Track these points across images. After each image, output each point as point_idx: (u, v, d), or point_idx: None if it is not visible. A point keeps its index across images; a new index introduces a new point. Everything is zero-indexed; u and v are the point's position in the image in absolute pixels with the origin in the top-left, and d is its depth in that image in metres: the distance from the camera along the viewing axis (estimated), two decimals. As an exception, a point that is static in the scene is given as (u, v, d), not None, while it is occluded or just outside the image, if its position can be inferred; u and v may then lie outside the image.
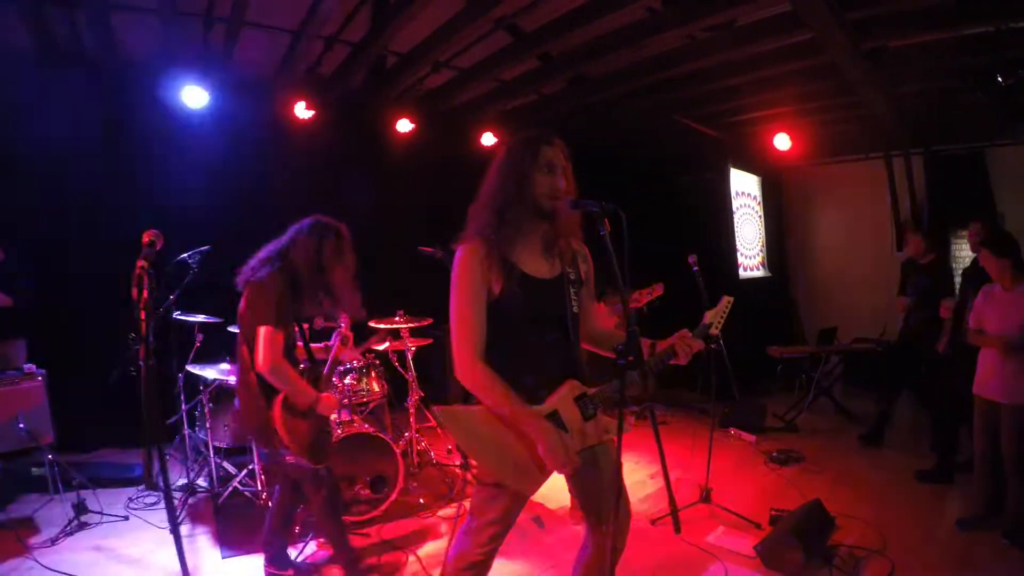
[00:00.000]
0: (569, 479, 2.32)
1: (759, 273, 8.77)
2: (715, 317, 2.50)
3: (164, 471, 2.17)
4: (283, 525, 3.38)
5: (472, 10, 4.59)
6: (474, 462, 2.09)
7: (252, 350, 2.87)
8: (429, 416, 5.39)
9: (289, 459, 2.98)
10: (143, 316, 2.07)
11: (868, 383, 7.50)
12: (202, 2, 4.69)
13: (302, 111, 5.82)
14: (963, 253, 6.76)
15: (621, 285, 1.88)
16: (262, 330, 2.81)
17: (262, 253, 3.09)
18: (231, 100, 5.72)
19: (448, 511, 4.28)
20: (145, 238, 2.21)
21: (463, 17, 4.69)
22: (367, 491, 3.99)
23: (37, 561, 3.52)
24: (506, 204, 2.09)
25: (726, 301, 2.55)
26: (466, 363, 2.04)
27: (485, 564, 2.18)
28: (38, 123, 5.06)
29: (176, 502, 4.23)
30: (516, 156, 2.12)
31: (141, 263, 2.11)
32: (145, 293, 2.09)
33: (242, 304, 2.99)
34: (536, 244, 2.17)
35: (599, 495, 2.23)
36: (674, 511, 1.93)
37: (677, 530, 1.95)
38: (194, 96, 5.36)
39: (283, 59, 5.56)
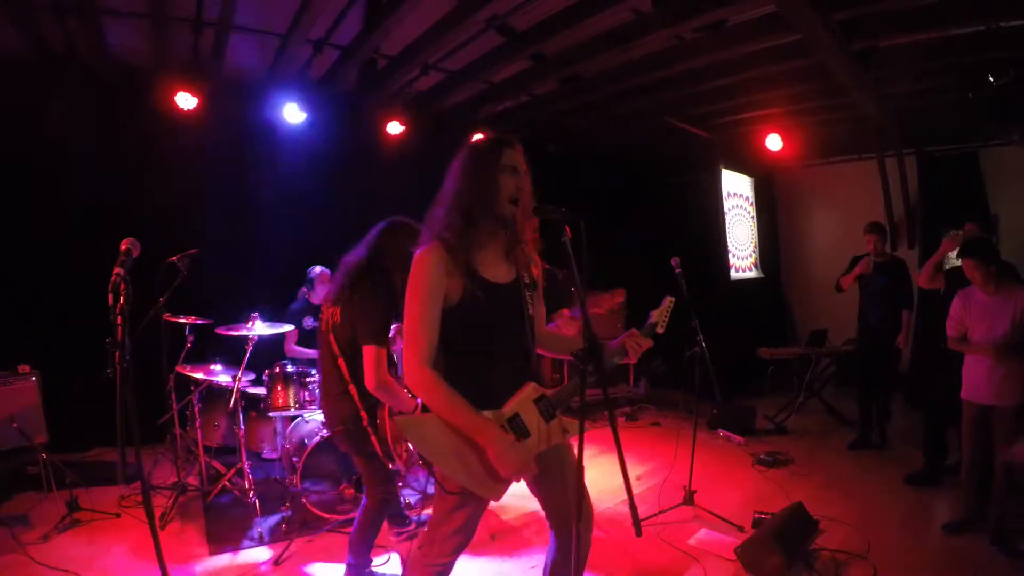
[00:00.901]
0: (530, 483, 2.31)
1: (751, 274, 8.79)
2: (659, 317, 2.56)
3: (140, 467, 2.21)
4: (373, 536, 3.32)
5: (462, 10, 4.60)
6: (436, 470, 2.09)
7: (348, 363, 3.00)
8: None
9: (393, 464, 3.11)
10: (119, 322, 2.10)
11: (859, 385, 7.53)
12: (191, 8, 4.71)
13: (292, 114, 5.85)
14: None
15: (580, 290, 1.91)
16: (368, 350, 2.87)
17: (348, 267, 3.11)
18: (222, 104, 5.78)
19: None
20: (122, 246, 2.21)
21: (453, 17, 4.70)
22: (351, 490, 4.03)
23: (31, 557, 3.58)
24: (472, 206, 2.08)
25: (668, 301, 2.62)
26: (413, 368, 2.03)
27: (447, 570, 2.20)
28: (35, 126, 5.14)
29: (167, 500, 4.28)
30: (481, 158, 2.12)
31: (117, 270, 2.13)
32: (122, 299, 2.12)
33: (336, 316, 3.05)
34: (497, 249, 2.18)
35: (563, 497, 2.25)
36: (635, 515, 1.95)
37: (638, 532, 1.97)
38: (185, 100, 5.41)
39: (273, 62, 5.60)
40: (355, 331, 2.96)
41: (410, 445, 3.11)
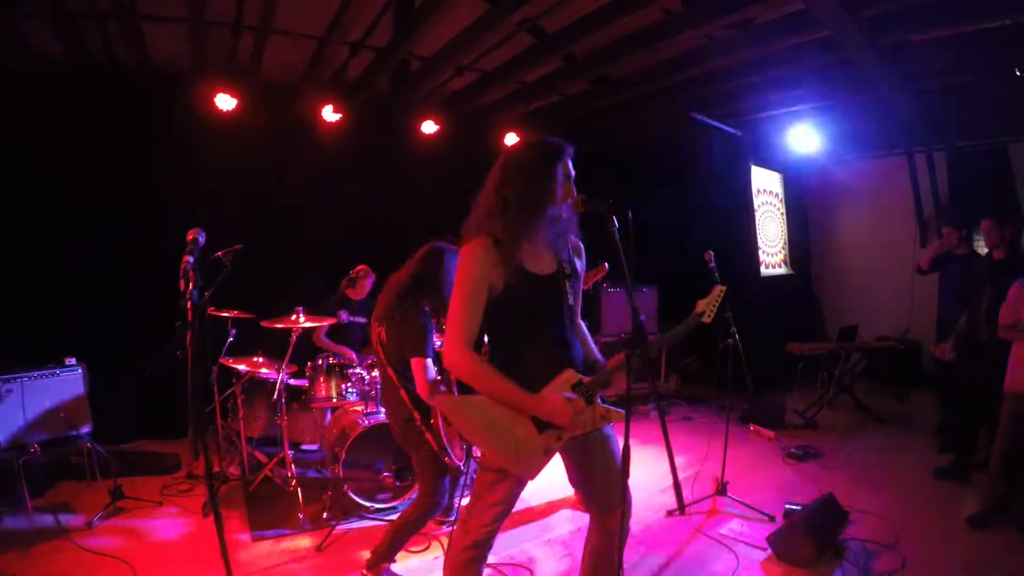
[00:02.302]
0: (572, 468, 2.41)
1: (781, 271, 8.77)
2: (707, 306, 2.60)
3: (207, 452, 2.34)
4: (407, 538, 3.42)
5: (494, 13, 4.69)
6: (478, 449, 2.19)
7: (397, 372, 3.25)
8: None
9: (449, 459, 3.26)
10: (188, 305, 2.24)
11: (890, 381, 7.51)
12: (230, 11, 4.85)
13: (329, 114, 5.98)
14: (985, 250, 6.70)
15: (628, 279, 1.98)
16: (417, 363, 3.12)
17: (392, 289, 3.32)
18: (260, 105, 5.92)
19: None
20: (189, 235, 2.40)
21: (485, 20, 4.80)
22: (392, 479, 4.14)
23: (77, 544, 3.69)
24: (527, 206, 2.15)
25: (718, 290, 2.64)
26: (454, 351, 2.13)
27: (487, 543, 2.28)
28: (77, 132, 5.32)
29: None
30: (543, 163, 2.19)
31: (186, 258, 2.29)
32: (191, 285, 2.26)
33: (383, 335, 3.28)
34: (542, 242, 2.25)
35: (602, 481, 2.33)
36: (678, 490, 2.02)
37: (681, 511, 2.04)
38: (224, 102, 5.58)
39: (310, 64, 5.72)
40: (402, 347, 3.19)
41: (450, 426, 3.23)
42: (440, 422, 3.18)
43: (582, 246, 2.43)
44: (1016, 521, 3.93)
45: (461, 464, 3.28)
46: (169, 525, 4.01)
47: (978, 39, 4.90)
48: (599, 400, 2.27)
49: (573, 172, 2.23)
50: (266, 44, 5.27)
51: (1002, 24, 4.61)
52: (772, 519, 4.12)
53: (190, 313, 2.23)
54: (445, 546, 3.63)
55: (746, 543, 3.82)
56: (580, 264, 2.41)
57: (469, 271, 2.15)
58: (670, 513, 4.20)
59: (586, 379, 2.24)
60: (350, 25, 4.74)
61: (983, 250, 5.31)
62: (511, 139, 7.02)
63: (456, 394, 3.25)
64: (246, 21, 5.00)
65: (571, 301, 2.31)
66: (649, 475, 4.89)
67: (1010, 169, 7.10)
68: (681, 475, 4.70)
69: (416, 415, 3.24)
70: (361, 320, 5.36)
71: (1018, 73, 4.90)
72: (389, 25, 5.13)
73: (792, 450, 5.41)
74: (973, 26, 4.72)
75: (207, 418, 4.99)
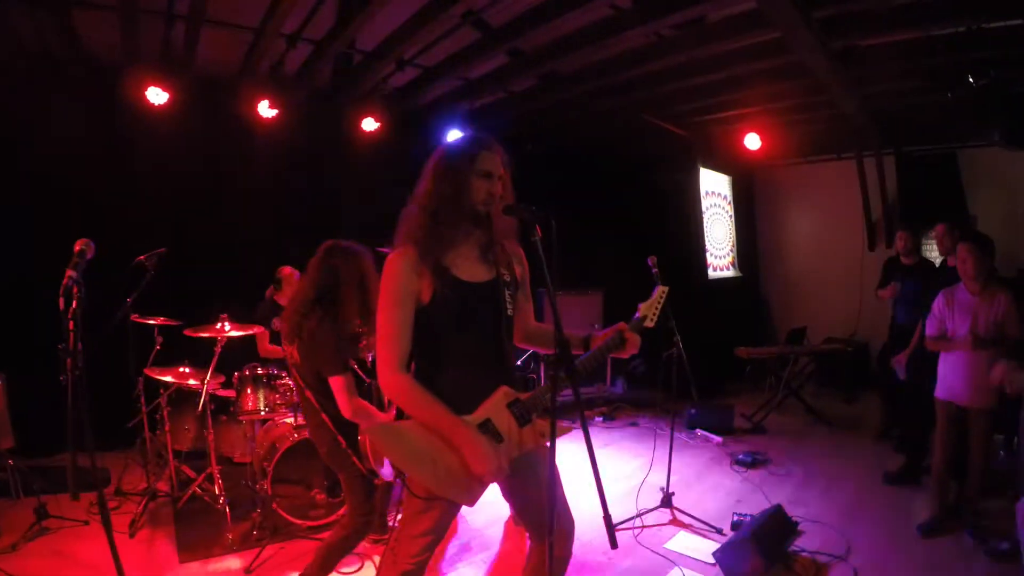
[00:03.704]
0: (505, 490, 2.28)
1: (729, 273, 8.80)
2: (648, 310, 2.40)
3: (95, 474, 2.13)
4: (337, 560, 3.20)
5: (437, 4, 4.52)
6: (407, 475, 2.03)
7: (316, 394, 3.02)
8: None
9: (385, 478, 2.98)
10: (71, 327, 2.02)
11: (838, 383, 7.57)
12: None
13: (265, 110, 5.74)
14: (934, 254, 6.80)
15: (551, 290, 1.85)
16: (336, 382, 2.90)
17: (294, 305, 3.08)
18: (193, 100, 5.66)
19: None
20: (76, 247, 2.14)
21: (428, 11, 4.62)
22: (323, 495, 3.96)
23: (-1, 567, 3.47)
24: (440, 207, 2.04)
25: (660, 291, 2.46)
26: (387, 373, 2.00)
27: (418, 573, 2.13)
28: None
29: (137, 506, 4.17)
30: (454, 160, 2.07)
31: (70, 272, 2.05)
32: (74, 304, 2.03)
33: (295, 355, 3.04)
34: (471, 248, 2.12)
35: (538, 503, 2.19)
36: (609, 526, 1.89)
37: (613, 544, 1.90)
38: (156, 96, 5.31)
39: (245, 57, 5.47)
40: (316, 366, 2.98)
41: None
42: (367, 441, 2.98)
43: (522, 252, 2.28)
44: (966, 525, 3.94)
45: (392, 479, 3.11)
46: (97, 545, 3.74)
47: (930, 45, 4.88)
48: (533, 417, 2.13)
49: (500, 170, 2.09)
50: (199, 35, 5.00)
51: (955, 31, 4.60)
52: (720, 531, 4.05)
53: (71, 336, 1.99)
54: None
55: (692, 558, 3.74)
56: (521, 271, 2.27)
57: (391, 283, 2.02)
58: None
59: (523, 396, 2.11)
60: (286, 15, 4.51)
61: (933, 254, 5.33)
62: (455, 137, 6.83)
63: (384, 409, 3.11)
64: (177, 9, 4.72)
65: (510, 312, 2.17)
66: (592, 487, 4.75)
67: (959, 175, 7.19)
68: (626, 485, 4.62)
69: (340, 439, 3.03)
70: None
71: (971, 81, 4.90)
72: (329, 16, 4.91)
73: (740, 456, 5.38)
74: (927, 32, 4.69)
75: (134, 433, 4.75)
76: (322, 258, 3.09)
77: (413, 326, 2.04)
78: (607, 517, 1.88)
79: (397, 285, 2.01)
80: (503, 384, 2.11)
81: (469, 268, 2.11)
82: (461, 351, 2.08)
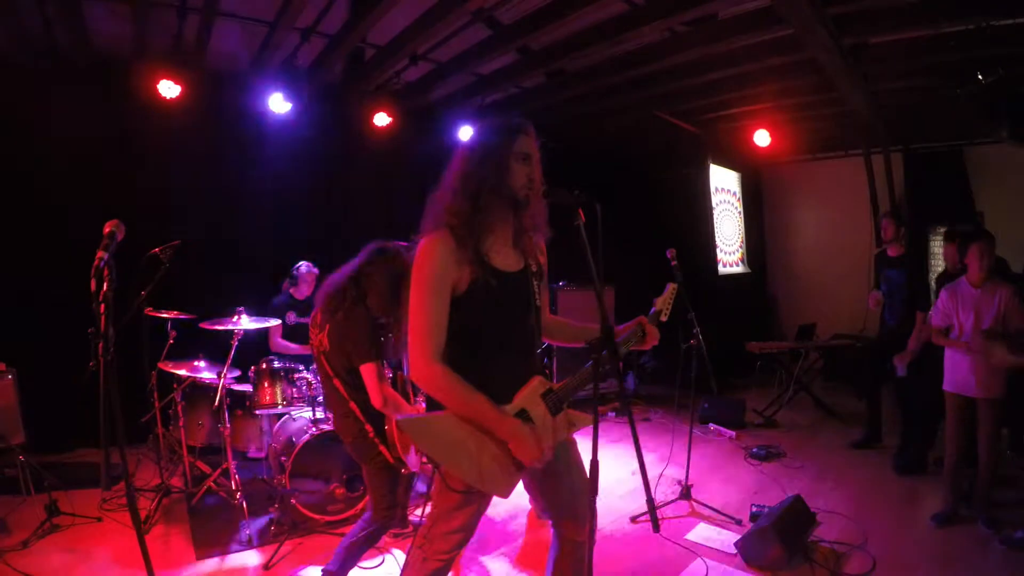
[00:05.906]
0: (535, 480, 2.25)
1: (738, 269, 8.81)
2: (663, 304, 2.52)
3: (125, 467, 2.09)
4: (362, 553, 3.17)
5: (448, 1, 4.51)
6: (443, 468, 2.00)
7: (344, 383, 2.99)
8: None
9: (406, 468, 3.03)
10: (102, 309, 1.97)
11: (848, 379, 7.56)
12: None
13: (279, 104, 5.71)
14: (941, 250, 6.81)
15: (595, 276, 1.82)
16: (367, 369, 2.88)
17: (328, 290, 3.06)
18: (207, 92, 5.64)
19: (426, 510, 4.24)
20: (106, 228, 2.08)
21: (440, 8, 4.61)
22: (342, 490, 3.92)
23: (9, 565, 3.41)
24: (480, 191, 1.97)
25: (671, 288, 2.58)
26: (423, 364, 1.92)
27: (445, 570, 2.10)
28: (11, 118, 4.97)
29: (151, 502, 4.13)
30: (493, 142, 2.02)
31: (100, 254, 1.99)
32: (105, 286, 1.99)
33: (324, 343, 3.01)
34: (506, 236, 2.08)
35: (570, 492, 2.18)
36: (652, 509, 1.88)
37: (656, 528, 1.89)
38: (168, 89, 5.27)
39: (259, 50, 5.47)
40: (347, 354, 2.94)
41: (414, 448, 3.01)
42: (395, 430, 2.94)
43: (543, 245, 2.25)
44: (979, 514, 3.95)
45: (417, 470, 3.08)
46: (109, 543, 3.71)
47: (939, 42, 4.89)
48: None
49: (536, 154, 2.05)
50: (212, 28, 4.98)
51: (965, 28, 4.61)
52: (739, 522, 4.04)
53: (103, 319, 1.95)
54: (400, 562, 3.45)
55: (714, 548, 3.73)
56: (544, 262, 2.25)
57: (429, 268, 1.94)
58: (634, 519, 4.10)
59: (555, 385, 2.09)
60: (300, 9, 4.49)
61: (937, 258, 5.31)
62: (466, 133, 6.83)
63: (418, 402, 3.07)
64: (191, 2, 4.70)
65: (538, 302, 2.15)
66: (610, 479, 4.79)
67: (966, 171, 7.20)
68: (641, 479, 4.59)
69: (369, 428, 2.99)
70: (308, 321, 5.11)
71: (980, 78, 4.91)
72: (342, 10, 4.90)
73: (754, 450, 5.37)
74: (936, 29, 4.70)
75: (146, 428, 4.71)
76: (370, 252, 3.06)
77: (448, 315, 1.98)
78: (650, 500, 1.87)
79: (434, 273, 1.94)
80: (535, 374, 2.09)
81: (504, 256, 2.07)
82: (496, 341, 2.04)
